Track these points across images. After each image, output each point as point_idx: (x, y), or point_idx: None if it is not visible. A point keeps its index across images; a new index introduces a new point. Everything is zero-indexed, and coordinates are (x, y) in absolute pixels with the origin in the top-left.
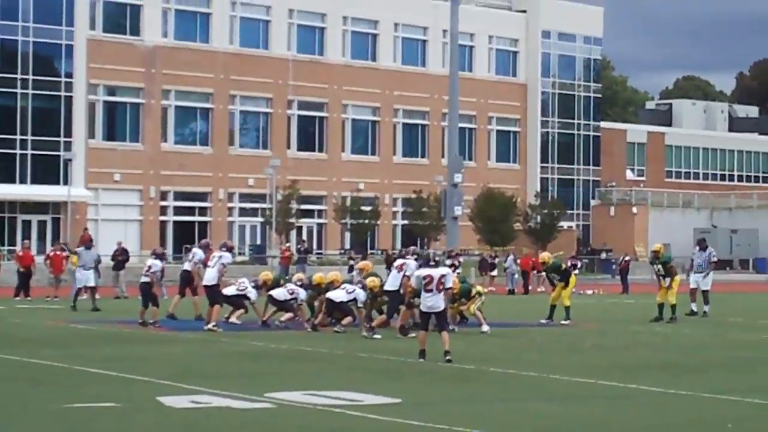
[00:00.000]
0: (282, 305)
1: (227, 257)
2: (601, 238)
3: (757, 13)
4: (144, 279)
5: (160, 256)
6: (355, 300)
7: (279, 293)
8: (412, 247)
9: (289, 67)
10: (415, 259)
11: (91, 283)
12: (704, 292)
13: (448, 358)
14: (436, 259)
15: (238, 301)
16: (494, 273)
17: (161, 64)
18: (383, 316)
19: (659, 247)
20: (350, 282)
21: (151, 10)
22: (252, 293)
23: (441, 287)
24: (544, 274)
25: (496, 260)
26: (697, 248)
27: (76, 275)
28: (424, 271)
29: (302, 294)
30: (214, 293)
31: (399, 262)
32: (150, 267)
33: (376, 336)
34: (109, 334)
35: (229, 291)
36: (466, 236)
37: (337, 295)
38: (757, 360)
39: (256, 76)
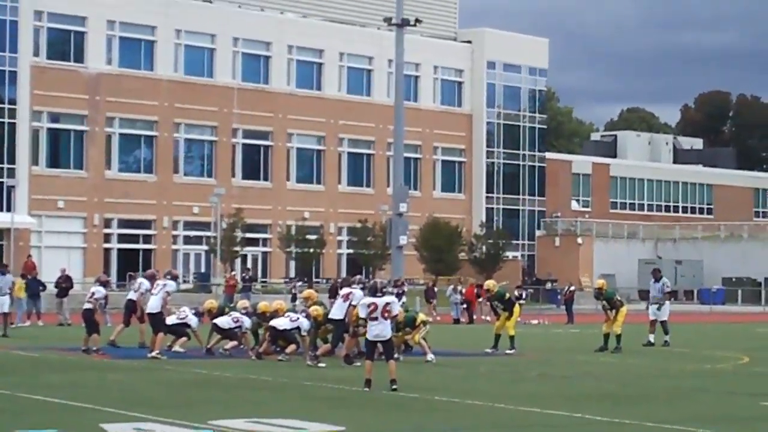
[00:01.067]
0: (226, 333)
1: (171, 285)
2: (546, 268)
3: (702, 45)
4: (87, 306)
5: (104, 284)
6: (298, 328)
7: (223, 321)
8: (357, 276)
9: (234, 96)
10: (361, 288)
11: (5, 309)
12: (662, 322)
13: (394, 387)
14: (383, 289)
15: (180, 329)
16: (434, 302)
17: (105, 92)
18: (328, 345)
19: (602, 283)
20: (294, 311)
21: (96, 37)
22: (193, 320)
23: (386, 314)
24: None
25: (435, 289)
26: (652, 279)
27: None
28: (369, 300)
29: (247, 322)
30: (157, 321)
31: (345, 291)
32: (93, 294)
33: (320, 365)
34: (52, 360)
35: (170, 320)
36: (411, 266)
37: (281, 323)
38: (700, 390)
39: (201, 104)
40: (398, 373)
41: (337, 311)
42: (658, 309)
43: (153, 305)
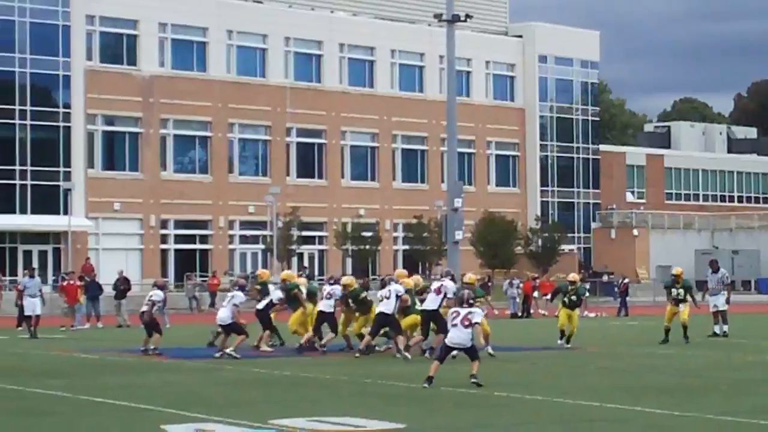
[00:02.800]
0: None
1: (239, 296)
2: (602, 260)
3: (755, 34)
4: (144, 308)
5: (162, 287)
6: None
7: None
8: (443, 268)
9: (286, 95)
10: (451, 279)
11: (37, 311)
12: (722, 312)
13: (474, 380)
14: (470, 300)
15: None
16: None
17: (159, 94)
18: (419, 336)
19: (680, 270)
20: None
21: (148, 40)
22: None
23: (467, 323)
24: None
25: (490, 284)
26: (710, 270)
27: (24, 303)
28: (454, 309)
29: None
30: (232, 329)
31: (437, 284)
32: (151, 296)
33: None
34: (112, 362)
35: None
36: (467, 261)
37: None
38: (761, 381)
39: (254, 104)
40: (457, 368)
41: (431, 304)
42: (720, 298)
43: (223, 317)
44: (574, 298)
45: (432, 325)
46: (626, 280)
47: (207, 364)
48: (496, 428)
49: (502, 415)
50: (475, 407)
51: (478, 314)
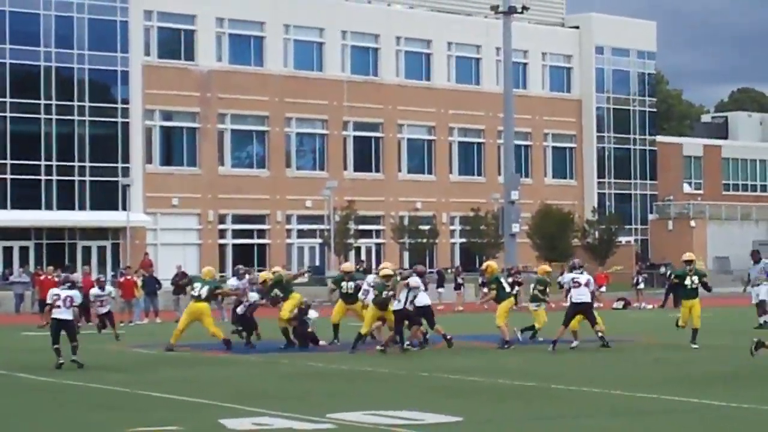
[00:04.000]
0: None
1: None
2: (660, 252)
3: None
4: (240, 309)
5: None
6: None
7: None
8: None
9: (343, 89)
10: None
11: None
12: (762, 302)
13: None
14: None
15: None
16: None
17: (216, 88)
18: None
19: (692, 256)
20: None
21: (205, 35)
22: (313, 314)
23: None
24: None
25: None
26: (752, 261)
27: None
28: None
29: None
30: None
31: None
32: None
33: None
34: (170, 357)
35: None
36: (524, 253)
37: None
38: None
39: (311, 98)
40: (511, 360)
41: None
42: (762, 289)
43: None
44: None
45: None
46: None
47: (264, 358)
48: (553, 420)
49: (560, 408)
50: (532, 399)
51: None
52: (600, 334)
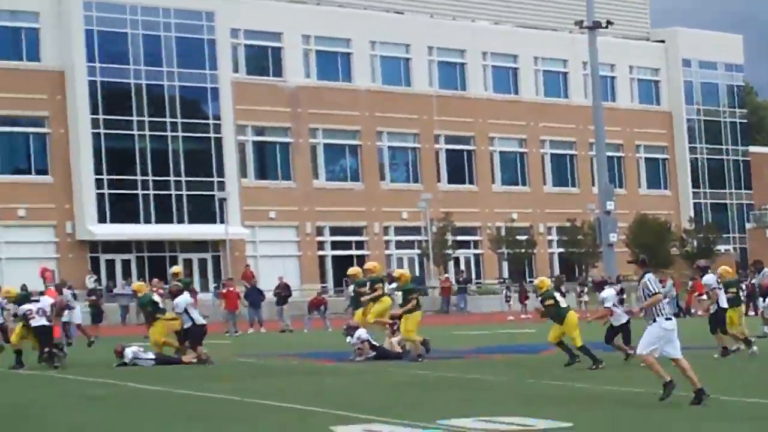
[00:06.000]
0: None
1: None
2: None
3: None
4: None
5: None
6: None
7: None
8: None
9: (432, 103)
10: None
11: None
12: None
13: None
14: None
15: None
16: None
17: (306, 104)
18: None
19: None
20: None
21: (292, 52)
22: None
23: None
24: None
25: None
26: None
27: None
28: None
29: None
30: None
31: None
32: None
33: None
34: (277, 367)
35: None
36: (623, 262)
37: None
38: None
39: (401, 112)
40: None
41: None
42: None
43: None
44: None
45: None
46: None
47: (370, 366)
48: (664, 425)
49: (670, 414)
50: (642, 407)
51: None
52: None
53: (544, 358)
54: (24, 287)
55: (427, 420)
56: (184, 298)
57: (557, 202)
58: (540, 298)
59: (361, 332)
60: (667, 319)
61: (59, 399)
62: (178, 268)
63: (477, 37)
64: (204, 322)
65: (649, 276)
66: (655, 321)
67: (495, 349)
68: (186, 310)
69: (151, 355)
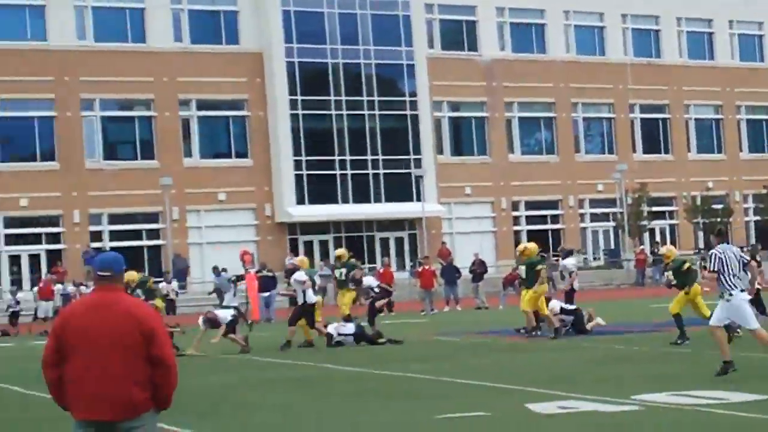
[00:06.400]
0: None
1: None
2: None
3: None
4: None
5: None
6: None
7: None
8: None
9: (627, 71)
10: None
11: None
12: None
13: None
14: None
15: None
16: None
17: (501, 77)
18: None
19: None
20: None
21: (486, 25)
22: None
23: None
24: None
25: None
26: None
27: None
28: None
29: None
30: None
31: None
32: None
33: None
34: (473, 345)
35: None
36: None
37: None
38: None
39: (595, 82)
40: None
41: None
42: None
43: None
44: None
45: None
46: None
47: (563, 343)
48: None
49: None
50: None
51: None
52: None
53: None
54: (215, 268)
55: (622, 396)
56: (300, 275)
57: (753, 168)
58: (669, 269)
59: (555, 304)
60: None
61: (264, 382)
62: (342, 251)
63: (670, 2)
64: (315, 300)
65: (722, 247)
66: (722, 296)
67: (691, 321)
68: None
69: (351, 329)
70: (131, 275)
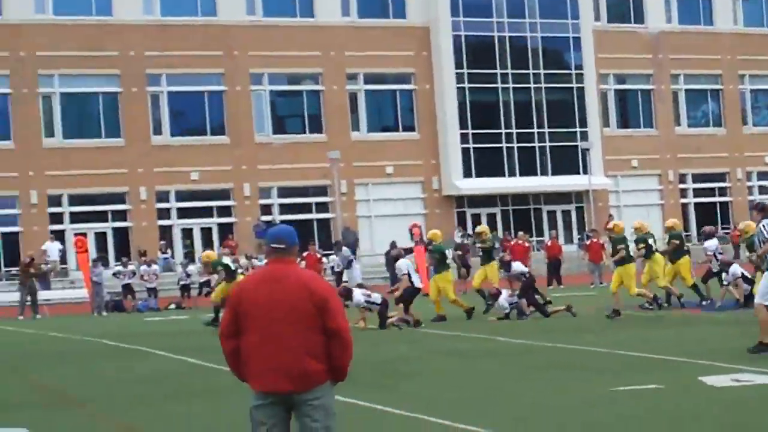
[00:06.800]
0: None
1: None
2: None
3: None
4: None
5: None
6: None
7: None
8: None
9: None
10: None
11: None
12: None
13: None
14: None
15: None
16: None
17: (667, 50)
18: None
19: None
20: None
21: None
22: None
23: None
24: None
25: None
26: None
27: None
28: None
29: None
30: None
31: None
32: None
33: None
34: (642, 318)
35: None
36: None
37: None
38: None
39: (763, 54)
40: None
41: None
42: None
43: None
44: None
45: None
46: None
47: (733, 315)
48: None
49: None
50: None
51: None
52: None
53: None
54: (393, 244)
55: None
56: (406, 261)
57: None
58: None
59: (735, 269)
60: None
61: (426, 353)
62: (483, 227)
63: None
64: (421, 286)
65: (766, 222)
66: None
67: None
68: (408, 273)
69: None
70: (209, 255)
